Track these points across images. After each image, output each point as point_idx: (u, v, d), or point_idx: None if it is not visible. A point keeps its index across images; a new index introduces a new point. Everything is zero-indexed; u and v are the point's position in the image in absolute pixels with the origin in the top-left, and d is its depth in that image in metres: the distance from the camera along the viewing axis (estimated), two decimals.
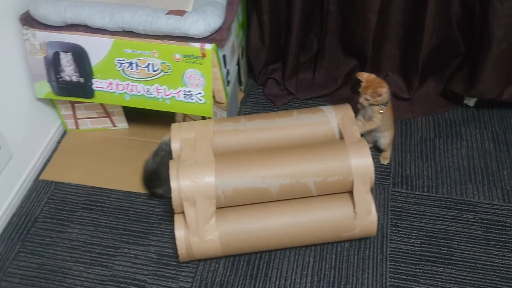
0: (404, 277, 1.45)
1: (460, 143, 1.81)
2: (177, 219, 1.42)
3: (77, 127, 1.87)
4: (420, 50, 1.75)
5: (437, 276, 1.44)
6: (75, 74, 1.62)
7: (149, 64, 1.56)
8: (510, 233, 1.54)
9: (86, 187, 1.70)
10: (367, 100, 1.54)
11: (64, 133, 1.88)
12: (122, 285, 1.45)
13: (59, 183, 1.72)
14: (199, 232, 1.40)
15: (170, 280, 1.46)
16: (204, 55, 1.51)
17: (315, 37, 1.94)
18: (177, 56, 1.53)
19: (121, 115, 1.83)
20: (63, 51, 1.58)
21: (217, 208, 1.41)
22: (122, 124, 1.87)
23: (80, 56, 1.58)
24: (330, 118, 1.52)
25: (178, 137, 1.49)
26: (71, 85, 1.64)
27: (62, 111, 1.81)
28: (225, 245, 1.42)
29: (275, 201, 1.45)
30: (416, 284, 1.43)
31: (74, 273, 1.48)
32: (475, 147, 1.79)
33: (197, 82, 1.56)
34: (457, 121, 1.88)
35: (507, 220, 1.57)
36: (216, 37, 1.51)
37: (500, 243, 1.51)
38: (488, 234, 1.54)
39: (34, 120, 1.73)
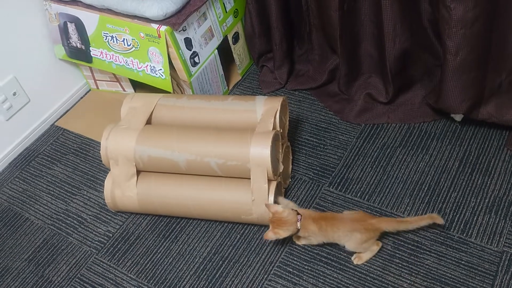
0: (290, 270, 1.49)
1: (422, 156, 1.71)
2: (110, 172, 1.67)
3: (97, 87, 2.21)
4: (384, 52, 1.68)
5: (321, 277, 1.46)
6: (79, 41, 1.94)
7: (124, 39, 1.80)
8: (420, 255, 1.46)
9: (83, 137, 2.04)
10: None
11: (89, 91, 2.25)
12: (68, 219, 1.76)
13: (67, 130, 2.08)
14: (121, 187, 1.63)
15: (103, 223, 1.72)
16: (159, 36, 1.70)
17: (306, 31, 1.96)
18: (142, 34, 1.74)
19: (127, 81, 2.12)
20: (69, 21, 1.91)
21: (140, 171, 1.62)
22: (129, 89, 2.16)
23: (80, 27, 1.89)
24: (257, 108, 1.59)
25: (128, 105, 1.71)
26: (77, 50, 1.97)
27: (83, 71, 2.16)
28: (142, 203, 1.63)
29: (190, 174, 1.60)
30: (297, 279, 1.47)
31: (42, 201, 1.83)
32: (437, 163, 1.67)
33: (157, 59, 1.76)
34: (432, 134, 1.76)
35: (425, 243, 1.48)
36: (171, 21, 1.68)
37: (404, 263, 1.45)
38: (396, 252, 1.48)
39: (56, 76, 2.10)
